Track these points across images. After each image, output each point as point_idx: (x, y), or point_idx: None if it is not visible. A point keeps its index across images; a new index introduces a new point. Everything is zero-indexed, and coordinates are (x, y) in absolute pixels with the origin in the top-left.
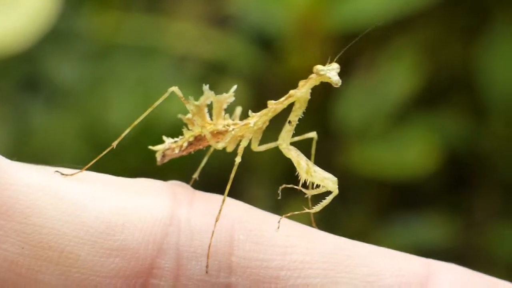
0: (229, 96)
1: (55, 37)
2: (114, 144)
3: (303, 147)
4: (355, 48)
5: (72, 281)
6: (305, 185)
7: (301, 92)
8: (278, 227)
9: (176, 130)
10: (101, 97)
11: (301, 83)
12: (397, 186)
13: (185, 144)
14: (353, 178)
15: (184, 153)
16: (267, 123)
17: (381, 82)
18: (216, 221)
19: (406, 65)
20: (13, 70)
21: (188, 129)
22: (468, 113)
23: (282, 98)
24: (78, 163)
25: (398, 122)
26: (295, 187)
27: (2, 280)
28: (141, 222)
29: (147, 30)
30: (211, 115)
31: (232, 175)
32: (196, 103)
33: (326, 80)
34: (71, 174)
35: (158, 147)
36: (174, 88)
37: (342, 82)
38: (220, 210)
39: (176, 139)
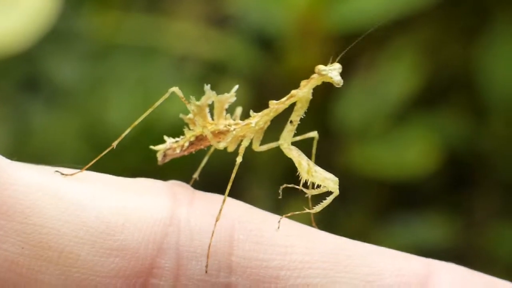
0: (230, 96)
1: (55, 37)
2: (114, 144)
3: (303, 147)
4: (355, 48)
5: (72, 281)
6: (305, 185)
7: (303, 92)
8: (279, 227)
9: (176, 130)
10: (101, 97)
11: (303, 83)
12: (397, 186)
13: (187, 144)
14: (353, 178)
15: (186, 152)
16: (269, 123)
17: (381, 82)
18: (217, 221)
19: (406, 65)
20: (13, 70)
21: (189, 129)
22: (468, 113)
23: (284, 98)
24: (78, 163)
25: (398, 122)
26: (296, 187)
27: (3, 280)
28: (141, 222)
29: (147, 30)
30: (212, 115)
31: (233, 175)
32: (198, 103)
33: (328, 80)
34: (71, 174)
35: (159, 147)
36: (175, 89)
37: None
38: (221, 210)
39: (177, 139)
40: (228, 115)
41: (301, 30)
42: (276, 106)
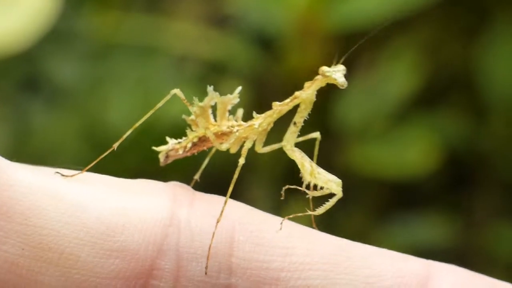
0: (233, 97)
1: (55, 37)
2: (115, 145)
3: (304, 147)
4: (355, 48)
5: (72, 282)
6: (308, 187)
7: (307, 94)
8: (281, 229)
9: (176, 131)
10: (101, 97)
11: (306, 84)
12: (397, 186)
13: (189, 145)
14: (353, 178)
15: (188, 154)
16: (272, 125)
17: (381, 82)
18: (218, 222)
19: (406, 65)
20: (13, 70)
21: (192, 130)
22: (468, 113)
23: (287, 100)
24: (78, 163)
25: (398, 122)
26: (299, 188)
27: (3, 281)
28: (141, 223)
29: (147, 30)
30: (214, 116)
31: (235, 176)
32: (201, 104)
33: (332, 82)
34: (71, 175)
35: (162, 148)
36: (176, 91)
37: None
38: (222, 211)
39: (179, 140)
40: (231, 116)
41: (301, 30)
42: (279, 108)
